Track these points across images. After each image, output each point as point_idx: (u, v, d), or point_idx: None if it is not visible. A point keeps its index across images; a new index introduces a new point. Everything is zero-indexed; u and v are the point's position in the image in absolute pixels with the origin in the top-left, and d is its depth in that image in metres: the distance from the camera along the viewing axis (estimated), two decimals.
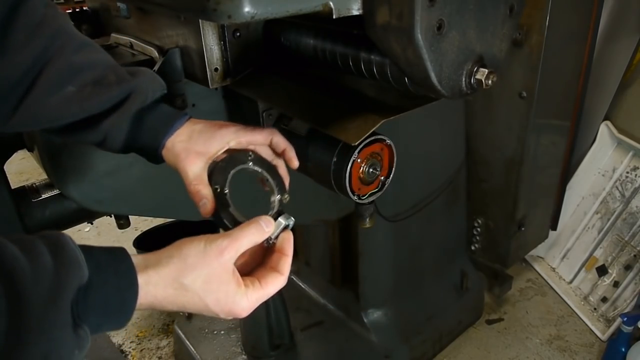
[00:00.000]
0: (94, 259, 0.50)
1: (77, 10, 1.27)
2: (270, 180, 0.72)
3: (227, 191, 0.67)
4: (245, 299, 0.58)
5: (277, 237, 0.64)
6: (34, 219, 1.03)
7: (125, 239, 2.47)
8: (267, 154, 0.75)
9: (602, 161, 2.03)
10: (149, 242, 2.07)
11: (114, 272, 0.51)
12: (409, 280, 1.69)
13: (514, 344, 1.85)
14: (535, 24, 1.38)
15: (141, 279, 0.52)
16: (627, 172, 1.94)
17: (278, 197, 0.71)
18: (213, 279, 0.56)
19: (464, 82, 0.76)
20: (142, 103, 0.69)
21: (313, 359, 1.63)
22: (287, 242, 0.64)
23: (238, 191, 0.70)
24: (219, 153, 0.69)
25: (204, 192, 0.66)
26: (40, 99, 0.63)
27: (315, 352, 1.64)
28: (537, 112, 1.50)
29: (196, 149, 0.68)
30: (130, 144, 0.71)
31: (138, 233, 2.14)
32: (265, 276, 0.61)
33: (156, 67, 0.94)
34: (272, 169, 0.73)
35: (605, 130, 2.00)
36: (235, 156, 0.69)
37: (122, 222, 1.19)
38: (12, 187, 1.02)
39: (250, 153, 0.70)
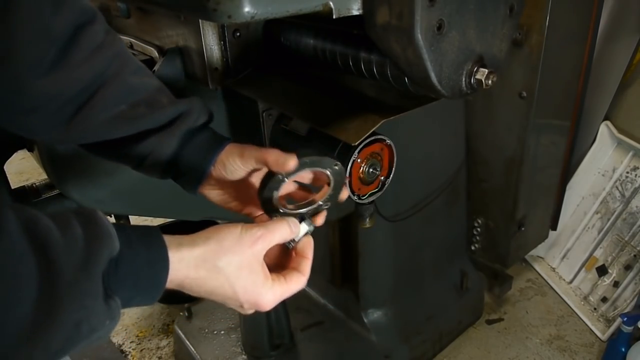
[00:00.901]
0: (126, 233, 0.52)
1: None
2: (330, 191, 0.72)
3: (287, 180, 0.68)
4: (271, 292, 0.60)
5: (298, 241, 0.67)
6: None
7: None
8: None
9: (602, 161, 2.03)
10: None
11: (145, 246, 0.52)
12: (409, 280, 1.68)
13: (514, 344, 1.85)
14: (535, 24, 1.38)
15: (174, 256, 0.53)
16: (627, 172, 1.94)
17: (320, 202, 0.71)
18: (245, 266, 0.57)
19: (464, 82, 0.76)
20: (193, 123, 0.72)
21: (313, 359, 1.63)
22: (308, 246, 0.67)
23: None
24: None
25: (282, 153, 0.66)
26: (94, 114, 0.66)
27: (315, 352, 1.64)
28: (537, 112, 1.50)
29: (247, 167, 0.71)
30: (174, 163, 0.73)
31: None
32: (289, 274, 0.63)
33: (156, 67, 0.94)
34: (339, 187, 0.73)
35: (605, 130, 2.00)
36: (323, 159, 0.70)
37: (122, 222, 1.19)
38: (12, 187, 1.02)
39: (337, 163, 0.71)
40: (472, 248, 1.89)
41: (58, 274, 0.44)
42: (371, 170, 0.87)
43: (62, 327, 0.44)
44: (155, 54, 0.99)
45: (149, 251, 0.52)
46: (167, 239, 0.54)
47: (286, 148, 0.95)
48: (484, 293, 1.98)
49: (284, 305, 1.56)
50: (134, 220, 1.27)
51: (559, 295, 2.06)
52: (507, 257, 1.80)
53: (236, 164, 0.71)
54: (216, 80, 0.92)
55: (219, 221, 2.17)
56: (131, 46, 1.07)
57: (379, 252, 1.56)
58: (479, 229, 1.83)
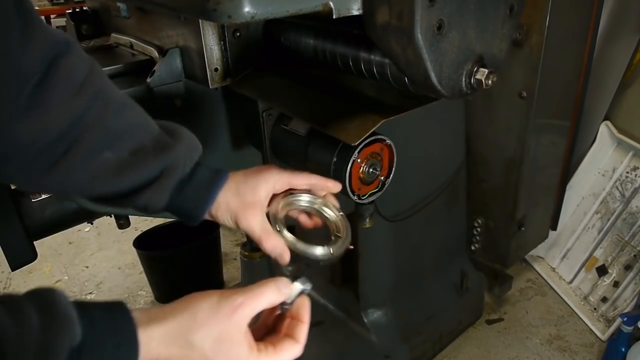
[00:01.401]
0: (89, 314, 0.46)
1: (77, 10, 1.27)
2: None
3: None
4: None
5: (292, 303, 0.59)
6: (34, 219, 1.03)
7: (125, 239, 2.47)
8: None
9: (602, 161, 2.03)
10: (149, 242, 2.07)
11: (111, 328, 0.47)
12: (409, 280, 1.68)
13: (514, 344, 1.85)
14: (535, 24, 1.38)
15: (143, 334, 0.48)
16: (627, 172, 1.94)
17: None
18: (224, 339, 0.51)
19: (464, 82, 0.76)
20: (180, 175, 0.67)
21: (313, 359, 1.63)
22: (304, 309, 0.59)
23: None
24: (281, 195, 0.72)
25: (277, 244, 0.67)
26: (76, 164, 0.60)
27: (315, 352, 1.64)
28: (537, 112, 1.50)
29: (247, 200, 0.68)
30: (171, 210, 0.69)
31: (138, 233, 2.14)
32: (281, 342, 0.57)
33: (156, 67, 0.94)
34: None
35: (605, 130, 2.00)
36: (315, 253, 0.71)
37: (122, 222, 1.19)
38: (12, 187, 1.02)
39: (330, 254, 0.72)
40: (472, 248, 1.89)
41: None
42: (371, 170, 0.87)
43: None
44: (155, 54, 0.99)
45: (116, 333, 0.47)
46: (136, 314, 0.49)
47: (286, 148, 0.96)
48: (484, 293, 1.98)
49: None
50: (134, 220, 1.27)
51: (559, 295, 2.06)
52: (507, 257, 1.80)
53: (229, 223, 0.69)
54: (216, 80, 0.92)
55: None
56: (131, 46, 1.07)
57: (379, 252, 1.56)
58: (479, 229, 1.83)
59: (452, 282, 1.83)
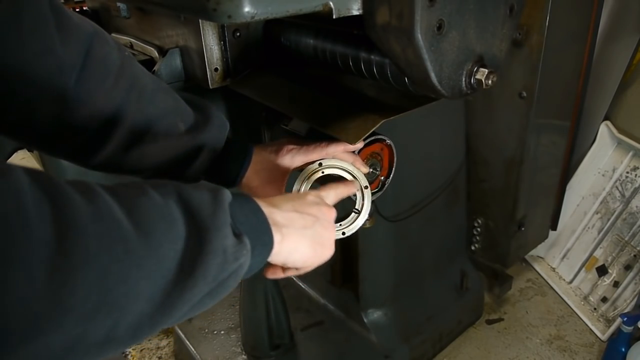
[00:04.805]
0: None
1: (77, 10, 1.27)
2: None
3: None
4: (307, 196, 0.69)
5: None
6: None
7: None
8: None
9: (602, 161, 2.03)
10: None
11: (241, 195, 0.57)
12: (409, 280, 1.68)
13: (514, 344, 1.85)
14: (535, 24, 1.38)
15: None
16: (627, 172, 1.94)
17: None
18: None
19: (464, 82, 0.76)
20: (213, 154, 0.77)
21: (313, 359, 1.63)
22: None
23: None
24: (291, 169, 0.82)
25: None
26: (120, 150, 0.69)
27: (315, 352, 1.64)
28: (537, 112, 1.50)
29: (265, 186, 0.80)
30: (206, 179, 0.81)
31: None
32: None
33: (156, 67, 0.94)
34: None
35: (605, 130, 2.00)
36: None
37: None
38: None
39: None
40: (472, 248, 1.89)
41: (197, 211, 0.49)
42: (371, 170, 0.87)
43: (213, 254, 0.48)
44: (155, 54, 0.99)
45: (248, 199, 0.57)
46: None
47: None
48: (484, 293, 1.97)
49: (284, 305, 1.56)
50: None
51: (559, 295, 2.06)
52: (507, 257, 1.80)
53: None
54: (216, 80, 0.92)
55: None
56: (131, 46, 1.07)
57: (379, 252, 1.56)
58: (479, 229, 1.83)
59: (452, 282, 1.83)
